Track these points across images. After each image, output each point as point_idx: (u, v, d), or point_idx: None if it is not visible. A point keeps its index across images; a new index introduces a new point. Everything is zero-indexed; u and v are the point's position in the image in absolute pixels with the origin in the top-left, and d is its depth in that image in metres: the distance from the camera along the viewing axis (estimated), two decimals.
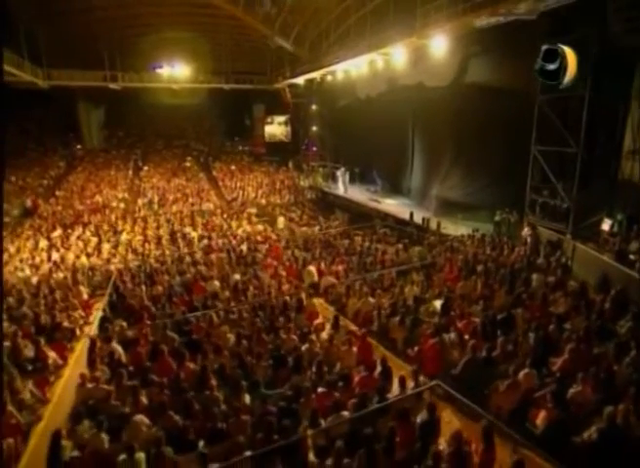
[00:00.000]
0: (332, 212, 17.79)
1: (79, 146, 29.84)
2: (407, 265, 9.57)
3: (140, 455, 3.89)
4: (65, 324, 7.69)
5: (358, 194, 19.14)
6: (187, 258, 11.37)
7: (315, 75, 18.86)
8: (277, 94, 26.27)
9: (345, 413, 4.14)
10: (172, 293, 8.47)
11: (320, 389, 4.69)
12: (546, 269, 8.72)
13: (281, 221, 16.41)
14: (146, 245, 13.19)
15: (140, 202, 19.70)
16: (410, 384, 4.70)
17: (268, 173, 25.25)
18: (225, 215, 16.82)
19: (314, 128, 23.97)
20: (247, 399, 4.77)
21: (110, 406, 4.74)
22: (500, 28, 10.27)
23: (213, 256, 11.01)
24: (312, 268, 9.59)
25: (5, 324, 7.35)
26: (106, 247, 13.23)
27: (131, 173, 26.00)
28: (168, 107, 31.23)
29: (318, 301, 8.30)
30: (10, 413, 4.74)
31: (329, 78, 18.48)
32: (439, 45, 11.26)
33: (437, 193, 15.35)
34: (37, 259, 12.00)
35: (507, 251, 10.15)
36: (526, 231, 11.06)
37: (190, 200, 19.76)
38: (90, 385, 5.13)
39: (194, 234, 14.59)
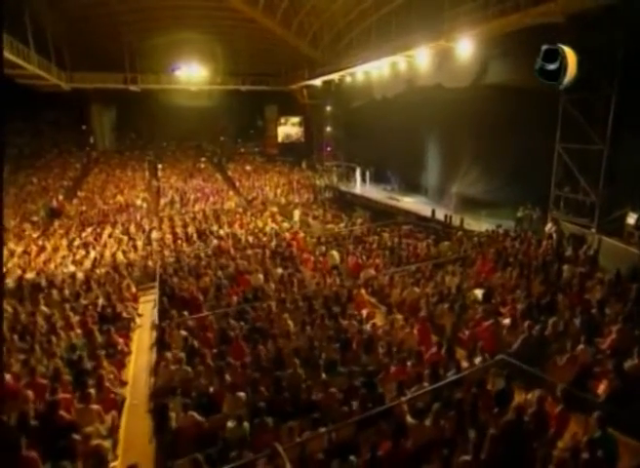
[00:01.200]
0: (352, 210, 18.19)
1: (87, 148, 30.19)
2: (442, 258, 9.99)
3: (246, 424, 4.30)
4: (124, 314, 8.14)
5: (375, 193, 19.59)
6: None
7: (334, 76, 19.26)
8: (290, 95, 26.71)
9: (425, 384, 4.56)
10: (219, 286, 8.89)
11: (393, 366, 5.11)
12: (575, 261, 9.16)
13: (296, 214, 17.23)
14: (179, 241, 13.61)
15: (162, 201, 20.12)
16: (476, 359, 5.11)
17: (283, 173, 25.69)
18: (249, 214, 17.25)
19: (328, 128, 24.40)
20: (323, 377, 5.18)
21: (200, 384, 5.15)
22: (522, 31, 10.70)
23: (249, 252, 11.43)
24: (335, 252, 10.64)
25: (69, 314, 7.80)
26: (139, 244, 13.65)
27: (147, 173, 26.44)
28: (179, 109, 31.33)
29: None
30: (108, 389, 5.15)
31: (348, 79, 18.88)
32: (465, 48, 11.67)
33: (457, 191, 15.78)
34: (77, 256, 12.40)
35: (534, 244, 10.57)
36: (550, 226, 11.50)
37: (211, 199, 20.19)
38: (173, 367, 5.55)
39: (222, 232, 15.01)
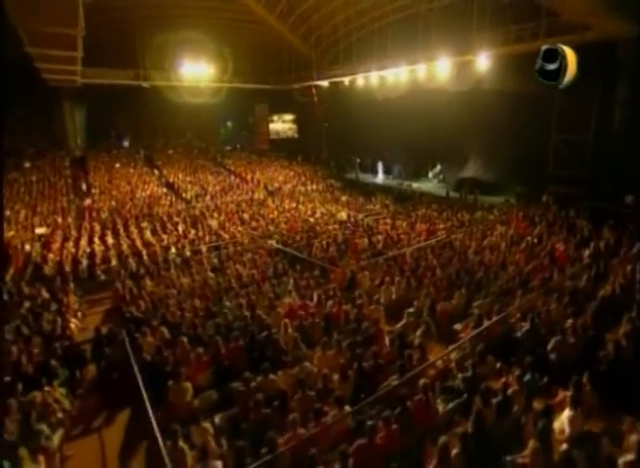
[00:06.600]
0: (373, 195, 20.91)
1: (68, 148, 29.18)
2: (487, 222, 13.40)
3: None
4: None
5: (384, 181, 22.76)
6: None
7: (346, 79, 21.79)
8: (282, 93, 28.68)
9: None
10: (341, 248, 11.38)
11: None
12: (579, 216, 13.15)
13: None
14: (252, 224, 15.50)
15: (188, 194, 21.17)
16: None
17: (284, 166, 27.68)
18: (288, 201, 19.33)
19: (327, 124, 26.96)
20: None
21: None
22: None
23: (330, 228, 13.89)
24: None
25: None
26: (214, 227, 15.30)
27: (146, 169, 26.71)
28: (164, 106, 31.04)
29: None
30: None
31: (360, 81, 21.44)
32: (483, 62, 15.09)
33: (463, 176, 19.41)
34: (170, 240, 13.70)
35: (543, 209, 14.46)
36: (545, 197, 15.57)
37: (237, 191, 21.71)
38: (392, 288, 8.04)
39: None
